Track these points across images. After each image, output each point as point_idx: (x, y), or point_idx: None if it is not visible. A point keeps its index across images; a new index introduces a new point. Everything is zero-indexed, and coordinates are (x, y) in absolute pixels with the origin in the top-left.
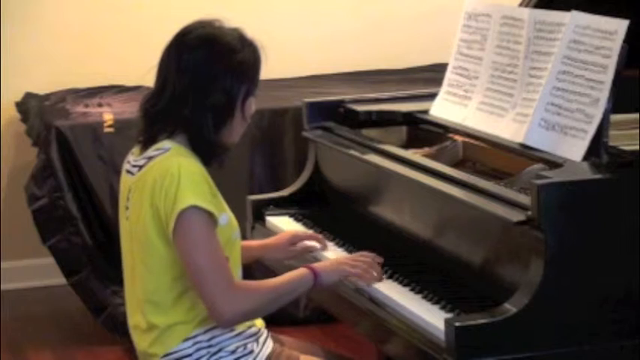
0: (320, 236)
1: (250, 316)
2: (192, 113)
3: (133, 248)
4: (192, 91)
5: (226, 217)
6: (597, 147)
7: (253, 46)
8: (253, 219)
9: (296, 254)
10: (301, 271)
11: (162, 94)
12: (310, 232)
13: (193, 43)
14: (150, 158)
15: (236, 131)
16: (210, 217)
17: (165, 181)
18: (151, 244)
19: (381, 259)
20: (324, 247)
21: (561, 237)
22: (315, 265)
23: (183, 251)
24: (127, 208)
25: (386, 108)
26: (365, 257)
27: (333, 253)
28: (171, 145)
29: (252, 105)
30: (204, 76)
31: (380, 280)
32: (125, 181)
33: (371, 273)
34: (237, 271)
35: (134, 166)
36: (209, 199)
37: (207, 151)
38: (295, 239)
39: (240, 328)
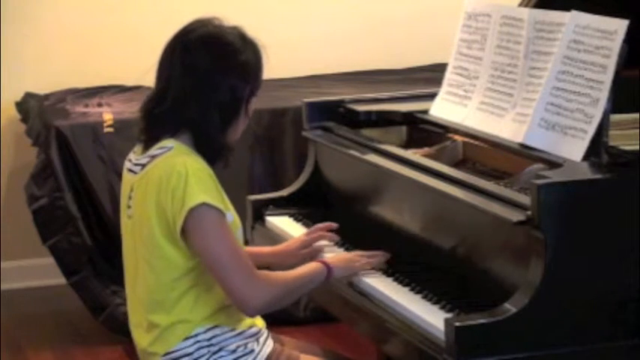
0: (329, 234)
1: (273, 305)
2: (198, 113)
3: (135, 247)
4: (198, 92)
5: (231, 216)
6: (597, 147)
7: (254, 45)
8: (253, 219)
9: (304, 259)
10: (316, 265)
11: (165, 95)
12: (320, 226)
13: (196, 44)
14: (153, 157)
15: (239, 130)
16: (221, 213)
17: (172, 181)
18: (155, 243)
19: (388, 256)
20: (337, 239)
21: (561, 237)
22: (328, 259)
23: (201, 247)
24: (129, 206)
25: (386, 108)
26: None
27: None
28: (174, 144)
29: (253, 104)
30: (210, 76)
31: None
32: (127, 179)
33: (378, 259)
34: None
35: (136, 164)
36: (217, 196)
37: (213, 151)
38: (306, 244)
39: (240, 327)
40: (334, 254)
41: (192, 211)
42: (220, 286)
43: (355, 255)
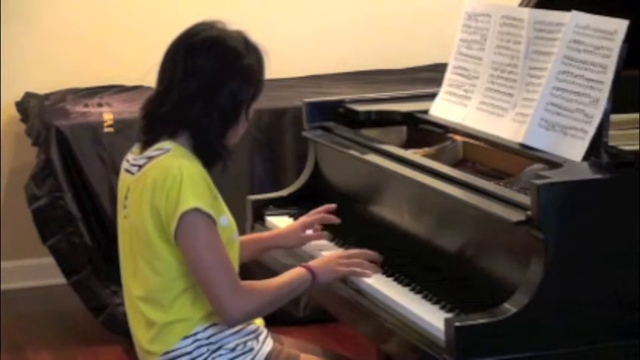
0: (332, 217)
1: (254, 315)
2: (199, 115)
3: (132, 247)
4: (200, 94)
5: (226, 218)
6: (597, 147)
7: (257, 50)
8: (253, 219)
9: (308, 241)
10: (300, 271)
11: (167, 97)
12: (319, 209)
13: (200, 46)
14: (150, 158)
15: (239, 133)
16: (211, 219)
17: (167, 182)
18: (151, 244)
19: (380, 258)
20: (337, 222)
21: (561, 237)
22: (312, 264)
23: (189, 253)
24: (125, 207)
25: (386, 108)
26: (358, 253)
27: (328, 252)
28: (172, 145)
29: (253, 108)
30: (213, 79)
31: (375, 272)
32: (124, 179)
33: (364, 268)
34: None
35: (133, 165)
36: (209, 202)
37: (211, 154)
38: (307, 225)
39: (239, 325)
40: (320, 258)
41: (184, 215)
42: (203, 292)
43: (340, 256)
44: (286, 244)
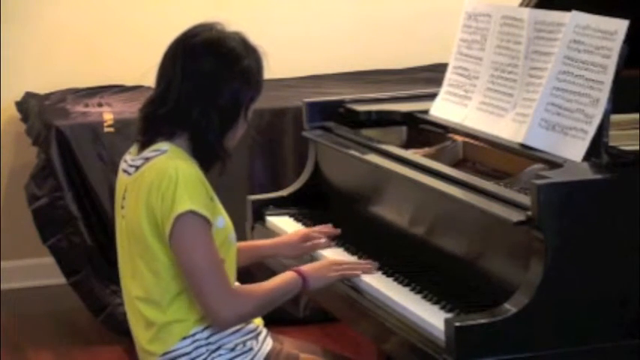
0: (333, 230)
1: (245, 318)
2: (199, 117)
3: (130, 247)
4: (199, 96)
5: (223, 220)
6: (597, 147)
7: (256, 51)
8: (253, 219)
9: (308, 251)
10: (291, 275)
11: (166, 98)
12: (320, 227)
13: (199, 48)
14: (147, 159)
15: (238, 135)
16: (207, 222)
17: (163, 184)
18: (148, 245)
19: (375, 266)
20: (337, 235)
21: (561, 237)
22: (304, 268)
23: (182, 255)
24: (122, 207)
25: (386, 108)
26: (352, 262)
27: (333, 253)
28: (169, 147)
29: (252, 110)
30: (212, 81)
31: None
32: (121, 180)
33: (357, 271)
34: (232, 273)
35: (131, 165)
36: (205, 204)
37: (210, 155)
38: (307, 237)
39: (230, 328)
40: (314, 263)
41: (179, 217)
42: (194, 295)
43: (333, 263)
44: (284, 254)
